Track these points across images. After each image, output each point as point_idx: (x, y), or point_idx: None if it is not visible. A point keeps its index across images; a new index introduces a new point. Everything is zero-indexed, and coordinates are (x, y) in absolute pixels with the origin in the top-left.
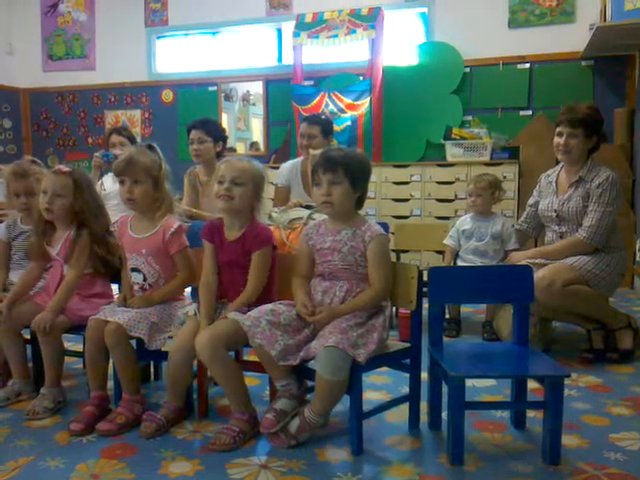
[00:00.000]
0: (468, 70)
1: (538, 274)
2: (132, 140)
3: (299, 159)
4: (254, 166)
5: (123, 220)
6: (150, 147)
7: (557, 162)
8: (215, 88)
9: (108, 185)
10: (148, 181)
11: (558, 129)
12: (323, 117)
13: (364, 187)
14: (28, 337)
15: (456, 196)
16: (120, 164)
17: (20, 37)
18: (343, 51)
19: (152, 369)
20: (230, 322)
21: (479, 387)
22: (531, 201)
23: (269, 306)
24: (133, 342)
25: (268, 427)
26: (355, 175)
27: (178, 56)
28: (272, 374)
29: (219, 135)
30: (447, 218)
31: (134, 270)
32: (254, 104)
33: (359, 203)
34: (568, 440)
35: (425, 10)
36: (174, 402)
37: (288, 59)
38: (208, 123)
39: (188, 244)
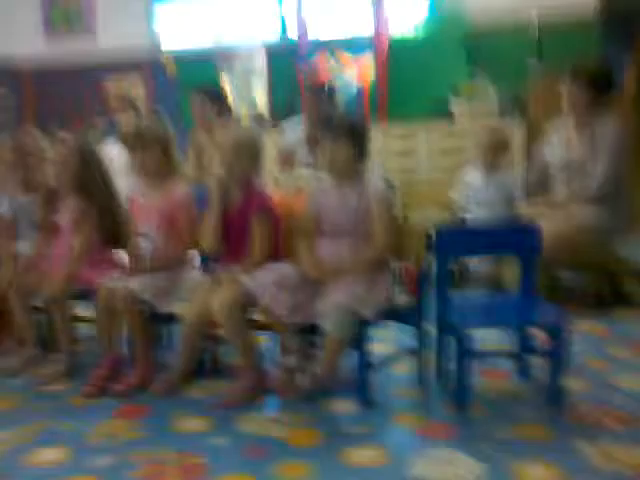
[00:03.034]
0: (475, 25)
1: (545, 226)
2: (136, 109)
3: (299, 118)
4: (249, 136)
5: (132, 189)
6: (155, 112)
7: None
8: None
9: (114, 154)
10: (157, 148)
11: (564, 84)
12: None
13: (365, 147)
14: (39, 305)
15: (462, 150)
16: (129, 135)
17: (19, 5)
18: (347, 18)
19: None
20: (241, 285)
21: (485, 338)
22: (538, 152)
23: (272, 268)
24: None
25: (277, 383)
26: (355, 138)
27: (179, 23)
28: (279, 332)
29: (217, 96)
30: (453, 172)
31: (143, 236)
32: (255, 72)
33: (361, 161)
34: (571, 384)
35: None
36: (185, 363)
37: (292, 31)
38: (208, 86)
39: (195, 212)
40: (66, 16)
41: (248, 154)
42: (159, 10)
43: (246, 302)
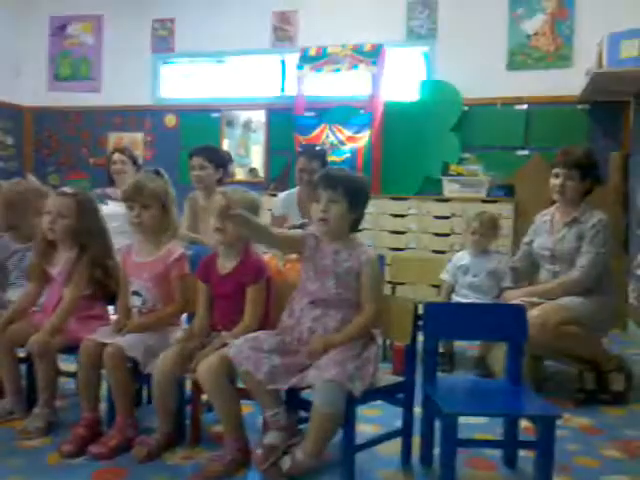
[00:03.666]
0: (467, 109)
1: (532, 313)
2: (134, 160)
3: (294, 189)
4: (247, 196)
5: (127, 245)
6: (157, 172)
7: (552, 202)
8: (218, 115)
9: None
10: (156, 206)
11: (554, 170)
12: (318, 148)
13: (361, 210)
14: (22, 356)
15: (452, 231)
16: (129, 189)
17: (27, 57)
18: (345, 84)
19: (145, 393)
20: (222, 351)
21: (472, 424)
22: (526, 240)
23: (250, 335)
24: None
25: (258, 463)
26: (354, 196)
27: (183, 82)
28: (260, 402)
29: (220, 162)
30: (442, 252)
31: (135, 294)
32: (255, 131)
33: (354, 226)
34: None
35: (426, 49)
36: (164, 425)
37: (291, 90)
38: (210, 150)
39: (188, 272)
40: (72, 70)
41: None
42: (164, 70)
43: (234, 369)
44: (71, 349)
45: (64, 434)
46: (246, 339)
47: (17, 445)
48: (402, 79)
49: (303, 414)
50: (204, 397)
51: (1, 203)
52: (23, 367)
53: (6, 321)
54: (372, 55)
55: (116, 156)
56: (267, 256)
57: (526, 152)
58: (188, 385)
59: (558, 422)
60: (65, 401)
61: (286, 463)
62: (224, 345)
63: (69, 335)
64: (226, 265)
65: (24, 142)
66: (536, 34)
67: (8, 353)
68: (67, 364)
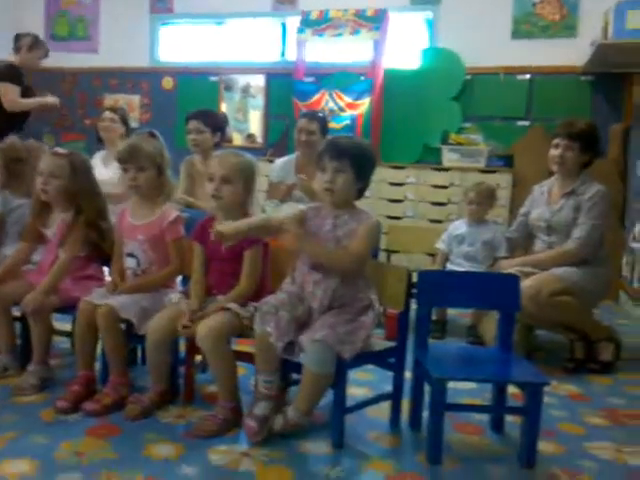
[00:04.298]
0: (469, 77)
1: (525, 283)
2: (124, 120)
3: (293, 155)
4: (244, 161)
5: (123, 207)
6: (152, 134)
7: (550, 174)
8: (216, 79)
9: (99, 172)
10: (151, 168)
11: (555, 141)
12: (321, 114)
13: (368, 178)
14: (18, 314)
15: (449, 200)
16: (124, 152)
17: (24, 16)
18: (346, 50)
19: (140, 353)
20: (228, 313)
21: (460, 389)
22: (523, 210)
23: (285, 296)
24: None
25: (252, 436)
26: (360, 166)
27: (181, 44)
28: (260, 366)
29: (217, 126)
30: (439, 222)
31: (129, 255)
32: (254, 96)
33: (360, 194)
34: (544, 446)
35: (430, 15)
36: (157, 384)
37: (291, 55)
38: (207, 114)
39: (183, 235)
40: (69, 29)
41: (242, 180)
42: (162, 31)
43: (232, 332)
44: (66, 309)
45: (59, 391)
46: (278, 299)
47: (12, 401)
48: (404, 46)
49: (295, 376)
50: (198, 357)
51: (1, 159)
52: (18, 325)
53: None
54: (375, 20)
55: (106, 114)
56: None
57: (527, 123)
58: (182, 346)
59: (546, 389)
60: (60, 360)
61: (278, 423)
62: (221, 309)
63: (64, 295)
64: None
65: None
66: (542, 2)
67: (3, 312)
68: (62, 323)
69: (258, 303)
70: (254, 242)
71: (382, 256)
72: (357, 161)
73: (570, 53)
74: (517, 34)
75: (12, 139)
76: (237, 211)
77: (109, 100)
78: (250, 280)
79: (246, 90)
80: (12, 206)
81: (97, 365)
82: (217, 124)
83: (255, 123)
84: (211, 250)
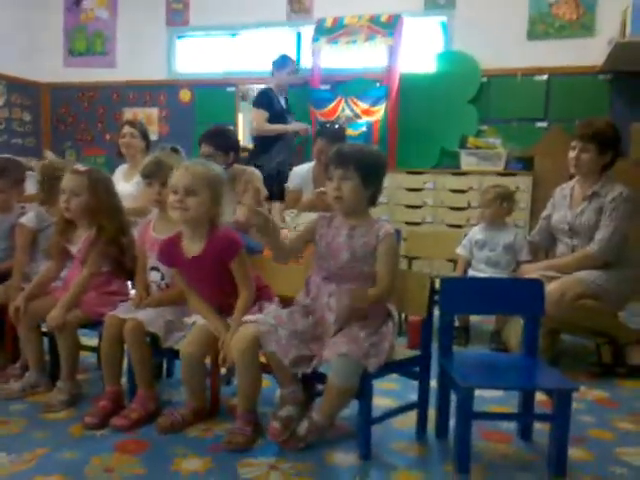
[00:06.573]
0: (485, 80)
1: (549, 287)
2: (144, 134)
3: (311, 164)
4: (210, 171)
5: (146, 221)
6: (174, 149)
7: (571, 176)
8: (233, 89)
9: (121, 186)
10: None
11: (572, 143)
12: (337, 127)
13: (377, 185)
14: (45, 330)
15: (469, 204)
16: (148, 166)
17: (42, 32)
18: (361, 56)
19: (165, 367)
20: (251, 327)
21: (487, 397)
22: (544, 214)
23: (285, 312)
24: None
25: (276, 435)
26: (367, 171)
27: (198, 56)
28: (280, 379)
29: (230, 146)
30: (459, 226)
31: (153, 269)
32: None
33: (372, 201)
34: (574, 453)
35: (444, 19)
36: (192, 401)
37: (306, 63)
38: (217, 136)
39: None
40: (87, 44)
41: (208, 191)
42: (179, 44)
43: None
44: (92, 324)
45: (87, 407)
46: (277, 316)
47: (42, 418)
48: (419, 50)
49: (320, 387)
50: (223, 370)
51: (39, 177)
52: (46, 341)
53: (27, 297)
54: (389, 26)
55: (126, 129)
56: (284, 230)
57: (545, 124)
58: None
59: (574, 395)
60: (87, 375)
61: (303, 427)
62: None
63: (89, 310)
64: (193, 248)
65: (41, 118)
66: (557, 2)
67: (31, 328)
68: (88, 339)
69: (259, 314)
70: (236, 251)
71: (403, 263)
72: (362, 167)
73: (587, 52)
74: (533, 35)
75: (51, 157)
76: (204, 226)
77: (128, 114)
78: (248, 287)
79: None
80: (47, 223)
81: (124, 380)
82: (229, 145)
83: None
84: (186, 272)
